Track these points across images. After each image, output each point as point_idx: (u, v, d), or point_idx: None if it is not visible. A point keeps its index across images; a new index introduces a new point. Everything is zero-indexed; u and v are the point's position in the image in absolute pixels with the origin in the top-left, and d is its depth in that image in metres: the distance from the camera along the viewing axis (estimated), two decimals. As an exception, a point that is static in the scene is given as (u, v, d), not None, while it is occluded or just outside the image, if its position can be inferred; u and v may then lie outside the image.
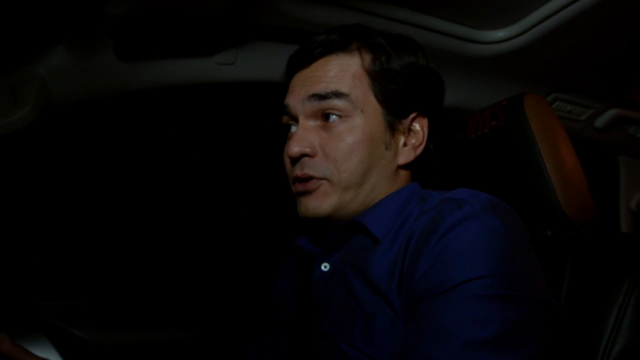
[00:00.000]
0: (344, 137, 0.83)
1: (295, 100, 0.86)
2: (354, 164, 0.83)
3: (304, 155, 0.84)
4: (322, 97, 0.83)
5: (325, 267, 0.85)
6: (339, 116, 0.83)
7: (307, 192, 0.84)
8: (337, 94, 0.83)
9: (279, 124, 0.92)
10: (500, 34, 1.24)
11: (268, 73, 1.20)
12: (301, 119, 0.86)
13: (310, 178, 0.84)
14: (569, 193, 0.95)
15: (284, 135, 0.92)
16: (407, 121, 0.87)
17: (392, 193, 0.86)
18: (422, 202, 0.81)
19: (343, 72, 0.84)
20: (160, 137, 1.62)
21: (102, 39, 1.05)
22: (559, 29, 1.17)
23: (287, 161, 0.88)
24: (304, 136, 0.84)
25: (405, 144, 0.87)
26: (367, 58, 0.85)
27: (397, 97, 0.85)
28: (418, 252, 0.70)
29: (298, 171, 0.84)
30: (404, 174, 0.89)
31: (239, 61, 1.19)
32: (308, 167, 0.83)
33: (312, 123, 0.86)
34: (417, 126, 0.88)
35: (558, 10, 1.14)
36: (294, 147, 0.83)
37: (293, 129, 0.88)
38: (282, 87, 0.95)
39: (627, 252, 0.86)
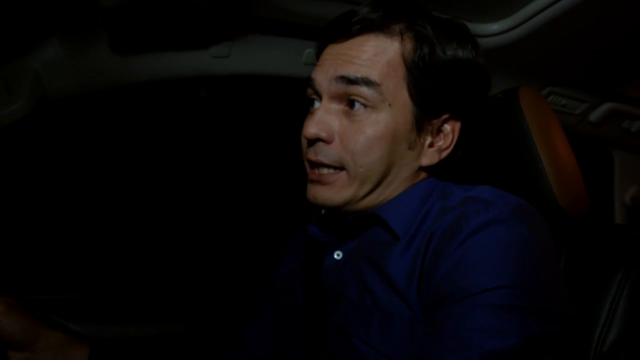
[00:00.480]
0: (365, 129, 0.77)
1: (322, 77, 0.80)
2: (372, 160, 0.77)
3: (319, 139, 0.79)
4: (350, 81, 0.77)
5: (338, 255, 0.82)
6: (365, 105, 0.77)
7: (321, 183, 0.80)
8: (367, 82, 0.76)
9: (281, 118, 0.90)
10: (494, 26, 1.24)
11: (263, 66, 1.20)
12: (325, 99, 0.80)
13: (322, 166, 0.80)
14: (563, 185, 0.96)
15: (304, 113, 0.86)
16: (438, 121, 0.80)
17: (413, 186, 0.82)
18: (443, 197, 0.78)
19: (378, 57, 0.77)
20: (156, 129, 1.61)
21: (96, 32, 1.04)
22: (553, 22, 1.18)
23: (304, 140, 0.83)
24: (324, 119, 0.79)
25: (431, 145, 0.81)
26: (409, 46, 0.78)
27: (432, 94, 0.79)
28: (440, 252, 0.68)
29: (312, 155, 0.80)
30: (424, 174, 0.84)
31: (234, 54, 1.18)
32: (322, 154, 0.79)
33: (335, 106, 0.79)
34: (447, 128, 0.81)
35: (553, 3, 1.14)
36: (311, 129, 0.78)
37: (316, 104, 0.82)
38: (278, 81, 0.95)
39: (620, 243, 0.86)
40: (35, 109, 1.05)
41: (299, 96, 0.89)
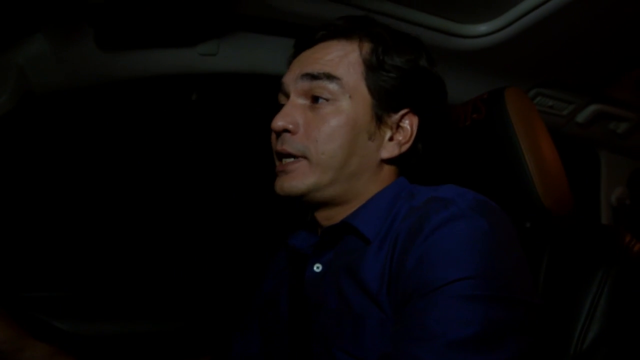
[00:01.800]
0: (327, 119, 0.83)
1: (290, 78, 0.88)
2: (334, 147, 0.83)
3: (286, 130, 0.85)
4: (313, 77, 0.84)
5: (317, 267, 0.85)
6: (327, 99, 0.84)
7: (284, 172, 0.85)
8: (329, 76, 0.84)
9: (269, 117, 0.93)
10: (482, 28, 1.24)
11: (251, 64, 1.20)
12: (292, 96, 0.87)
13: (288, 156, 0.85)
14: (547, 185, 0.97)
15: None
16: (396, 116, 0.87)
17: (381, 191, 0.86)
18: (410, 198, 0.81)
19: (340, 58, 0.85)
20: (148, 129, 1.61)
21: (82, 28, 1.04)
22: (540, 23, 1.18)
23: (273, 136, 0.89)
24: (290, 112, 0.85)
25: (391, 139, 0.87)
26: (366, 47, 0.86)
27: (389, 90, 0.85)
28: (405, 251, 0.71)
29: (278, 146, 0.86)
30: (388, 169, 0.89)
31: (221, 52, 1.18)
32: (287, 144, 0.85)
33: (301, 101, 0.87)
34: (406, 123, 0.88)
35: (540, 5, 1.15)
36: (278, 121, 0.85)
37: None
38: (265, 79, 0.97)
39: (601, 242, 0.87)
40: (20, 104, 1.04)
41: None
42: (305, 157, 0.84)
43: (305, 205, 0.88)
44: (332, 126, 0.83)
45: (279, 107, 0.90)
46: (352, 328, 0.74)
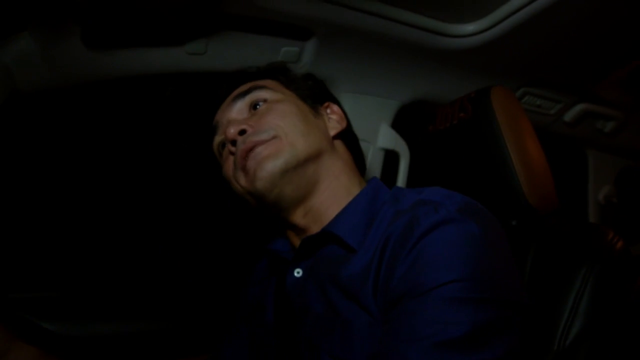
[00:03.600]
0: (275, 107, 0.91)
1: (220, 114, 0.98)
2: (293, 121, 0.89)
3: (242, 132, 0.88)
4: (245, 93, 0.95)
5: (298, 272, 0.86)
6: (265, 100, 0.93)
7: (255, 157, 0.85)
8: (258, 87, 0.95)
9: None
10: (469, 27, 1.25)
11: (239, 64, 1.19)
12: (230, 117, 0.95)
13: (256, 146, 0.86)
14: (532, 183, 0.97)
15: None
16: (323, 107, 1.00)
17: (356, 197, 0.87)
18: (395, 202, 0.82)
19: (258, 81, 0.98)
20: (130, 124, 1.60)
21: (68, 26, 1.03)
22: (527, 22, 1.19)
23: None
24: (235, 119, 0.93)
25: (329, 120, 0.98)
26: (274, 81, 1.00)
27: (305, 93, 0.99)
28: (395, 256, 0.71)
29: (246, 145, 0.86)
30: (343, 150, 0.97)
31: (210, 51, 1.18)
32: (251, 136, 0.87)
33: (240, 115, 0.95)
34: (333, 108, 1.01)
35: (527, 4, 1.15)
36: (231, 129, 0.88)
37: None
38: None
39: (585, 240, 0.88)
40: (6, 102, 1.03)
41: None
42: (274, 137, 0.86)
43: (281, 208, 0.88)
44: (283, 109, 0.90)
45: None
46: (340, 333, 0.74)
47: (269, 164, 0.84)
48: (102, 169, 1.58)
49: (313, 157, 0.87)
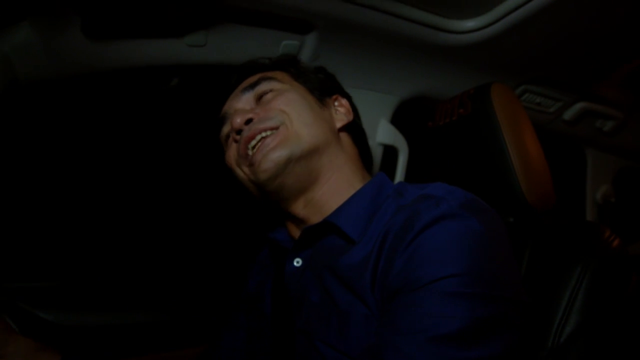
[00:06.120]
0: (282, 96, 0.91)
1: (229, 103, 0.98)
2: (297, 109, 0.90)
3: (248, 121, 0.89)
4: (253, 84, 0.95)
5: (297, 262, 0.86)
6: (271, 90, 0.94)
7: (261, 148, 0.86)
8: (266, 78, 0.96)
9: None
10: (470, 23, 1.25)
11: (239, 56, 1.19)
12: (237, 106, 0.96)
13: (261, 133, 0.87)
14: (530, 181, 0.98)
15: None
16: (331, 99, 1.00)
17: (360, 190, 0.87)
18: (398, 196, 0.82)
19: (267, 72, 0.99)
20: (129, 116, 1.60)
21: (69, 16, 1.03)
22: (528, 20, 1.19)
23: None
24: (241, 110, 0.93)
25: (336, 112, 0.99)
26: (279, 73, 1.00)
27: (313, 85, 0.99)
28: (394, 249, 0.71)
29: (251, 132, 0.87)
30: (348, 143, 0.97)
31: (210, 43, 1.17)
32: (257, 124, 0.88)
33: (247, 106, 0.95)
34: (342, 102, 1.01)
35: (528, 1, 1.15)
36: (237, 119, 0.88)
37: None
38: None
39: (581, 237, 0.89)
40: (5, 92, 1.03)
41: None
42: (279, 125, 0.87)
43: (281, 198, 0.88)
44: (287, 96, 0.92)
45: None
46: (337, 323, 0.74)
47: (274, 155, 0.85)
48: (100, 159, 1.58)
49: (317, 149, 0.88)
